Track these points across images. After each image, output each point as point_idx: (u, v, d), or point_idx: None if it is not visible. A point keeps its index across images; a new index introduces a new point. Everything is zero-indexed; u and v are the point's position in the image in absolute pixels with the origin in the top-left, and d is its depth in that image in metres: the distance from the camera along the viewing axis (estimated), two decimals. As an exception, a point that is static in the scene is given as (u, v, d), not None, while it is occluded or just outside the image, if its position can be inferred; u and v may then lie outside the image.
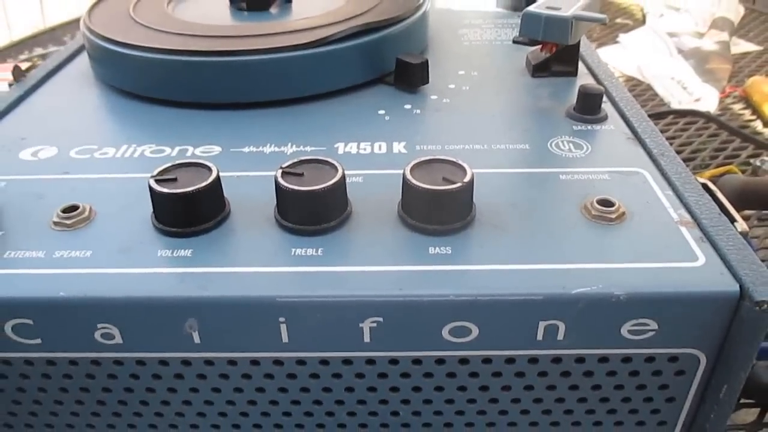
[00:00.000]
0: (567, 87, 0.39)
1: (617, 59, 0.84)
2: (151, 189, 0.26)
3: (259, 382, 0.26)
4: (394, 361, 0.26)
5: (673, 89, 0.77)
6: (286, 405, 0.27)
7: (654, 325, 0.24)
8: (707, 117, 0.70)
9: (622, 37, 0.89)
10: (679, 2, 0.97)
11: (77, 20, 1.07)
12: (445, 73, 0.41)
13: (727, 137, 0.67)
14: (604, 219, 0.27)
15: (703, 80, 0.79)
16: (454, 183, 0.26)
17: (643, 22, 0.95)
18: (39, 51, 0.94)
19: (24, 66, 0.62)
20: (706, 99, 0.75)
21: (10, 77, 0.62)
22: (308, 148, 0.33)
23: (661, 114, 0.72)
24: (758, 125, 0.70)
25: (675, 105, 0.74)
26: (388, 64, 0.39)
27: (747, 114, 0.73)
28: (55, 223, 0.28)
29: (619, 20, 0.98)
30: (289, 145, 0.33)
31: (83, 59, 0.45)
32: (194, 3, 0.46)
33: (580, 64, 0.40)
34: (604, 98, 0.36)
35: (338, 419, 0.28)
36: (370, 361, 0.26)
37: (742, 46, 0.88)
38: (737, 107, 0.74)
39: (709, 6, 0.94)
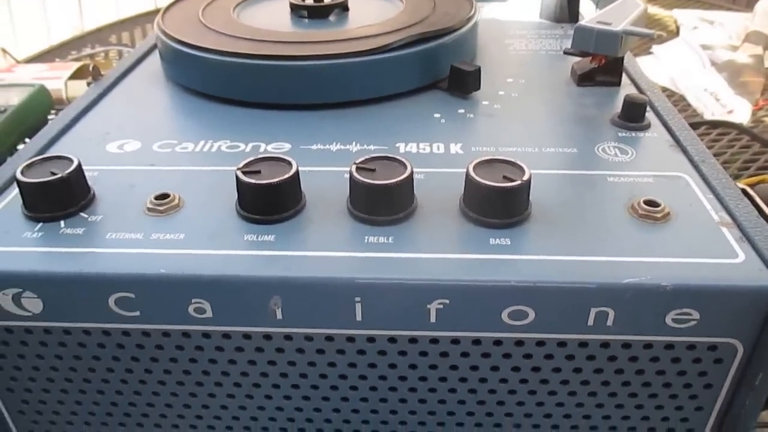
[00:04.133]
0: (611, 96, 0.41)
1: (651, 70, 0.86)
2: (238, 179, 0.29)
3: (331, 357, 0.29)
4: (455, 341, 0.28)
5: (706, 101, 0.79)
6: (354, 379, 0.30)
7: (696, 315, 0.27)
8: (740, 129, 0.72)
9: (656, 48, 0.91)
10: (714, 16, 0.99)
11: (121, 22, 1.11)
12: (495, 81, 0.43)
13: (759, 149, 0.69)
14: (650, 218, 0.29)
15: (736, 93, 0.80)
16: (514, 181, 0.28)
17: (676, 34, 0.97)
18: (87, 51, 0.98)
19: (72, 65, 0.66)
20: (739, 111, 0.76)
21: (63, 75, 0.65)
22: (371, 147, 0.36)
23: (695, 125, 0.73)
24: (790, 138, 0.71)
25: (708, 116, 0.76)
26: (441, 70, 0.42)
27: (779, 127, 0.74)
28: (149, 209, 0.31)
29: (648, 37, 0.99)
30: (354, 143, 0.36)
31: (153, 60, 0.48)
32: (257, 10, 0.49)
33: (623, 75, 0.43)
34: (647, 107, 0.38)
35: (400, 394, 0.30)
36: (434, 341, 0.28)
37: (775, 59, 0.89)
38: (770, 119, 0.76)
39: (743, 20, 0.95)
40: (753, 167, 0.66)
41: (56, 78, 0.66)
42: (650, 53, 0.90)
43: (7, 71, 0.73)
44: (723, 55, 0.89)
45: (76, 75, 0.64)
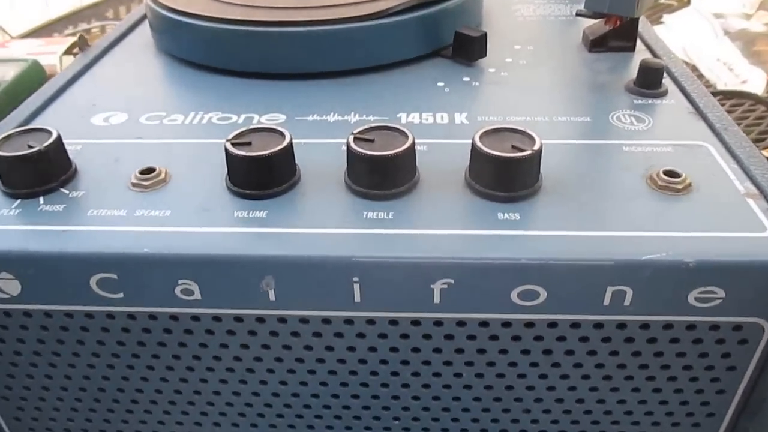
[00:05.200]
0: (625, 62, 0.39)
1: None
2: (227, 152, 0.27)
3: (329, 341, 0.27)
4: (461, 323, 0.26)
5: (719, 71, 0.76)
6: (353, 363, 0.28)
7: (721, 294, 0.25)
8: (755, 99, 0.69)
9: (667, 18, 0.88)
10: (727, -17, 0.95)
11: (118, -5, 1.08)
12: (501, 48, 0.41)
13: (775, 119, 0.66)
14: (671, 189, 0.27)
15: (750, 62, 0.77)
16: (523, 151, 0.26)
17: (688, 2, 0.94)
18: (84, 26, 0.96)
19: (67, 40, 0.64)
20: (753, 81, 0.74)
21: (58, 50, 0.63)
22: (371, 118, 0.34)
23: (708, 95, 0.71)
24: (807, 108, 0.69)
25: (721, 87, 0.73)
26: (445, 37, 0.40)
27: (795, 97, 0.71)
28: (134, 185, 0.29)
29: (663, 0, 0.96)
30: (353, 114, 0.34)
31: (144, 30, 0.46)
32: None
33: (637, 40, 0.40)
34: (664, 73, 0.36)
35: (402, 379, 0.28)
36: (438, 323, 0.26)
37: (790, 28, 0.86)
38: (786, 90, 0.73)
39: (758, -13, 0.92)
40: (769, 138, 0.64)
41: (51, 53, 0.64)
42: (661, 23, 0.87)
43: (1, 46, 0.71)
44: (736, 23, 0.86)
45: (72, 50, 0.62)
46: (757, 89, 0.72)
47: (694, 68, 0.77)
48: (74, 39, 0.65)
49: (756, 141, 0.64)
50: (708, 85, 0.74)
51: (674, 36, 0.84)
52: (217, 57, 0.39)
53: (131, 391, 0.30)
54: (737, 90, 0.71)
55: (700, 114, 0.33)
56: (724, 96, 0.71)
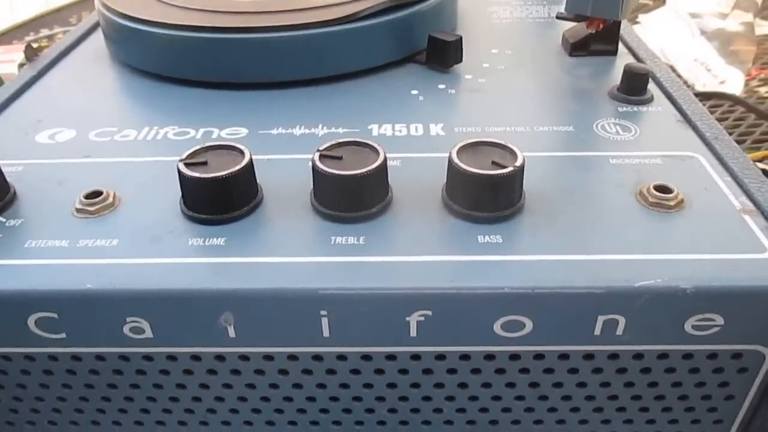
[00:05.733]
0: (607, 66, 0.37)
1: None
2: (180, 173, 0.25)
3: (296, 378, 0.25)
4: (441, 357, 0.24)
5: (697, 71, 0.75)
6: (324, 401, 0.26)
7: (720, 321, 0.23)
8: (734, 100, 0.68)
9: (642, 17, 0.87)
10: (702, -19, 0.95)
11: (83, 1, 1.05)
12: (478, 52, 0.39)
13: (755, 121, 0.65)
14: (662, 206, 0.25)
15: (727, 62, 0.76)
16: (505, 167, 0.24)
17: (663, 2, 0.93)
18: (45, 32, 0.92)
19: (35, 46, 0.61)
20: (732, 81, 0.73)
21: (18, 58, 0.60)
22: (341, 130, 0.31)
23: (687, 96, 0.70)
24: (787, 108, 0.68)
25: (699, 88, 0.72)
26: (418, 42, 0.37)
27: (774, 97, 0.71)
28: (78, 210, 0.26)
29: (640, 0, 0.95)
30: (320, 126, 0.32)
31: (97, 38, 0.43)
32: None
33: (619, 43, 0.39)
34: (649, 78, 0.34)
35: (378, 416, 0.26)
36: (416, 357, 0.24)
37: (766, 27, 0.86)
38: (764, 90, 0.72)
39: (733, -15, 0.91)
40: (749, 140, 0.62)
41: (10, 62, 0.61)
42: (637, 22, 0.86)
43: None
44: (712, 23, 0.85)
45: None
46: (736, 89, 0.71)
47: (672, 68, 0.76)
48: (37, 45, 0.62)
49: (737, 143, 0.62)
50: (686, 85, 0.73)
51: (651, 36, 0.83)
52: (174, 66, 0.36)
53: (82, 436, 0.28)
54: (716, 91, 0.70)
55: (688, 122, 0.31)
56: (703, 97, 0.70)
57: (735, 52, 0.79)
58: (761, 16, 0.88)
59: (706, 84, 0.73)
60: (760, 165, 0.29)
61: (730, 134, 0.62)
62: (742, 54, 0.79)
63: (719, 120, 0.65)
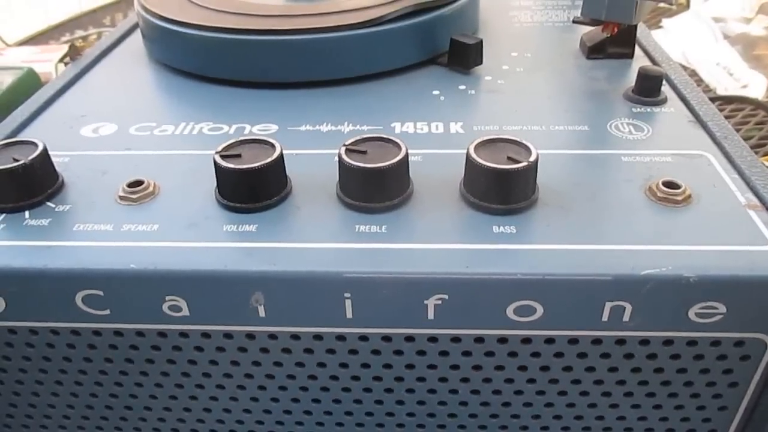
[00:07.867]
0: (623, 69, 0.38)
1: (661, 45, 0.83)
2: (216, 164, 0.27)
3: (320, 357, 0.27)
4: (456, 339, 0.26)
5: (719, 75, 0.76)
6: (346, 380, 0.27)
7: (722, 309, 0.24)
8: (755, 104, 0.69)
9: (666, 21, 0.88)
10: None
11: (116, 3, 1.08)
12: (498, 55, 0.40)
13: (776, 125, 0.66)
14: (671, 201, 0.27)
15: (749, 66, 0.77)
16: (519, 162, 0.26)
17: (687, 6, 0.93)
18: (80, 33, 0.95)
19: (63, 48, 0.63)
20: (754, 86, 0.73)
21: (54, 58, 0.63)
22: (365, 128, 0.33)
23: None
24: (808, 113, 0.68)
25: (721, 91, 0.73)
26: (440, 44, 0.39)
27: (796, 102, 0.71)
28: (121, 198, 0.28)
29: (662, 4, 0.96)
30: (346, 124, 0.33)
31: (136, 39, 0.45)
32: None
33: (636, 47, 0.40)
34: (663, 81, 0.35)
35: (396, 396, 0.28)
36: (433, 339, 0.26)
37: (790, 31, 0.86)
38: (786, 95, 0.72)
39: (757, -10, 0.92)
40: (770, 144, 0.63)
41: (47, 61, 0.63)
42: (660, 27, 0.87)
43: (-4, 55, 0.70)
44: (736, 27, 0.85)
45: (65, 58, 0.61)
46: (758, 94, 0.72)
47: (693, 73, 0.77)
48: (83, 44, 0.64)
49: (756, 147, 0.63)
50: (708, 89, 0.73)
51: (674, 40, 0.84)
52: (209, 66, 0.38)
53: (120, 408, 0.29)
54: (737, 95, 0.71)
55: (700, 122, 0.32)
56: (724, 101, 0.71)
57: (758, 56, 0.80)
58: (785, 21, 0.88)
59: (728, 88, 0.73)
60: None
61: (750, 138, 0.63)
62: (765, 58, 0.79)
63: (740, 124, 0.66)
